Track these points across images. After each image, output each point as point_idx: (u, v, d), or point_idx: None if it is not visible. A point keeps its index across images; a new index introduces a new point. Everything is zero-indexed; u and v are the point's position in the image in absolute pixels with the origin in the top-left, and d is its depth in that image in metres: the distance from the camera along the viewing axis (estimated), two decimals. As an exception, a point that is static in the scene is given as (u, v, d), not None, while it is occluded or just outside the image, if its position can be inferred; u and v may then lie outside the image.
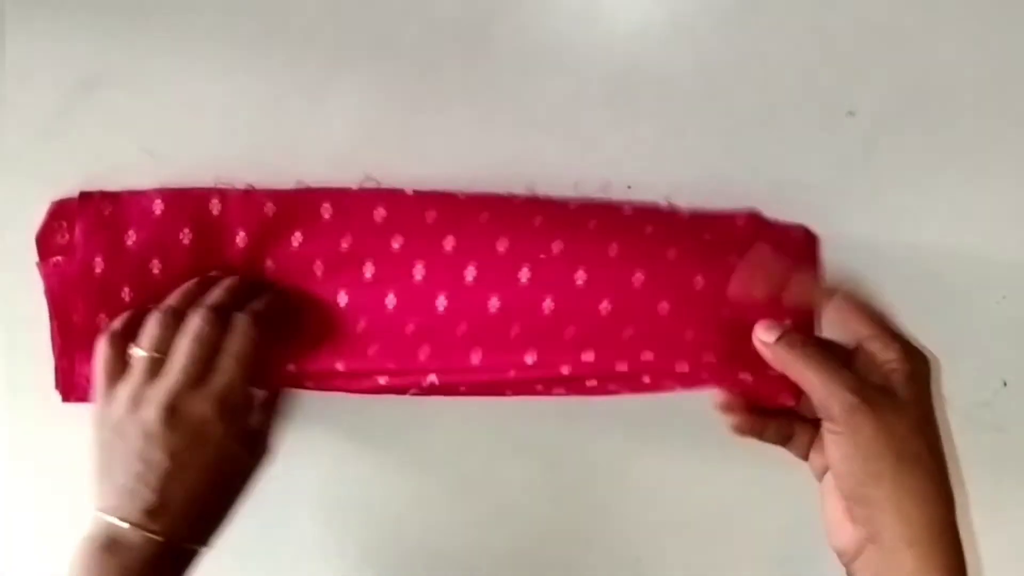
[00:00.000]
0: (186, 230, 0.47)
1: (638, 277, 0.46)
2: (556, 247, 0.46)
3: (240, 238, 0.47)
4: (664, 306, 0.46)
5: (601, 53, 0.48)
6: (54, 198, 0.48)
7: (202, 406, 0.41)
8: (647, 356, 0.45)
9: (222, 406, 0.42)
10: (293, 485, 0.50)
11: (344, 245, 0.47)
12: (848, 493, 0.42)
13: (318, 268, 0.47)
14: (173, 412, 0.41)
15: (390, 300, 0.47)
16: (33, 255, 0.48)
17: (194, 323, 0.42)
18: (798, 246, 0.48)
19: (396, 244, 0.47)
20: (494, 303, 0.46)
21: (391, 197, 0.47)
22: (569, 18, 0.48)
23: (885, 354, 0.43)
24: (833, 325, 0.46)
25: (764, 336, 0.44)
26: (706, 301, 0.46)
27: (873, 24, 0.48)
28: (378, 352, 0.47)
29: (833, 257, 0.49)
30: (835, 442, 0.41)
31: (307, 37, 0.48)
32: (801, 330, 0.45)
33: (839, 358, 0.43)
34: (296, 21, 0.48)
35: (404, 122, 0.48)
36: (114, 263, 0.47)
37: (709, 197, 0.48)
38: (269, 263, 0.47)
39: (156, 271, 0.47)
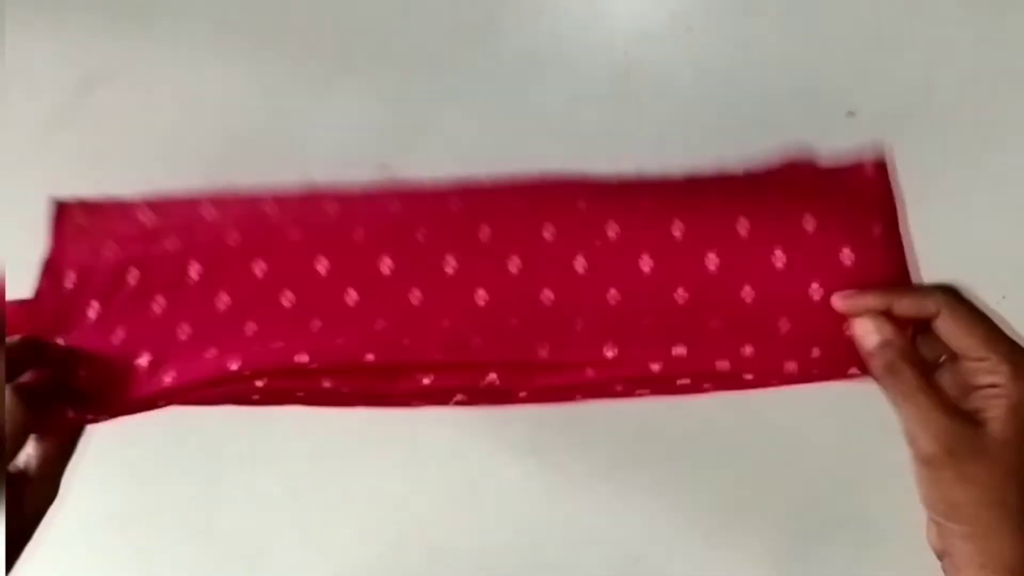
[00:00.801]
0: (173, 237, 0.46)
1: (712, 259, 0.41)
2: (611, 231, 0.43)
3: (233, 239, 0.46)
4: (748, 291, 0.41)
5: (601, 53, 0.48)
6: (54, 198, 0.48)
7: None
8: (747, 351, 0.41)
9: None
10: (294, 484, 0.50)
11: (357, 240, 0.45)
12: (928, 512, 0.40)
13: (322, 266, 0.46)
14: None
15: (415, 296, 0.43)
16: (33, 255, 0.48)
17: None
18: (872, 188, 0.43)
19: (420, 237, 0.44)
20: (547, 295, 0.42)
21: (405, 193, 0.44)
22: (569, 18, 0.48)
23: (989, 377, 0.39)
24: (936, 339, 0.40)
25: (864, 342, 0.40)
26: (788, 281, 0.41)
27: (873, 24, 0.48)
28: (414, 344, 0.42)
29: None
30: (916, 474, 0.40)
31: (309, 37, 0.48)
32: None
33: (932, 382, 0.39)
34: (297, 21, 0.48)
35: (405, 122, 0.48)
36: (87, 274, 0.46)
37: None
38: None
39: (133, 282, 0.46)
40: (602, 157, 0.48)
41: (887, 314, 0.40)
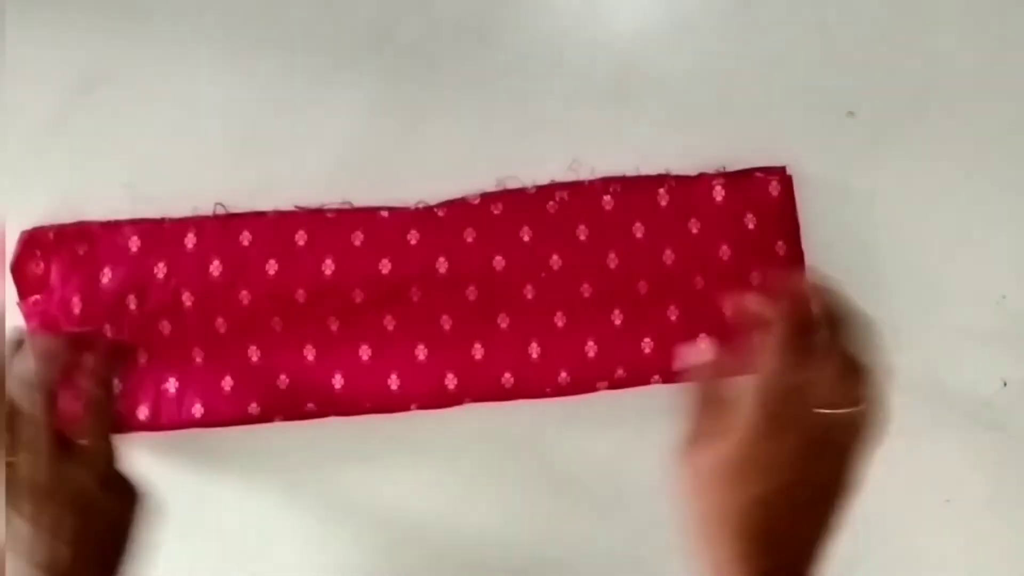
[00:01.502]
0: (161, 264, 0.47)
1: (643, 286, 0.47)
2: (555, 264, 0.47)
3: (215, 267, 0.47)
4: (673, 310, 0.47)
5: (601, 53, 0.48)
6: (55, 198, 0.48)
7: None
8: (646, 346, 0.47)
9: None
10: (294, 484, 0.50)
11: (326, 271, 0.47)
12: None
13: (300, 296, 0.47)
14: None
15: (388, 322, 0.47)
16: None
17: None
18: (777, 206, 0.47)
19: (384, 269, 0.47)
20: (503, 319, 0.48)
21: (369, 219, 0.47)
22: (569, 18, 0.48)
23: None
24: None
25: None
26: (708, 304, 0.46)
27: (873, 24, 0.48)
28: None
29: (833, 257, 0.49)
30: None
31: (307, 37, 0.48)
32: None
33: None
34: (296, 21, 0.48)
35: (404, 122, 0.48)
36: (92, 302, 0.46)
37: (709, 197, 0.48)
38: (357, 291, 0.47)
39: (133, 307, 0.47)
40: (602, 157, 0.48)
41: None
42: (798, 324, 0.39)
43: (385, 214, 0.47)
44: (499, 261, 0.47)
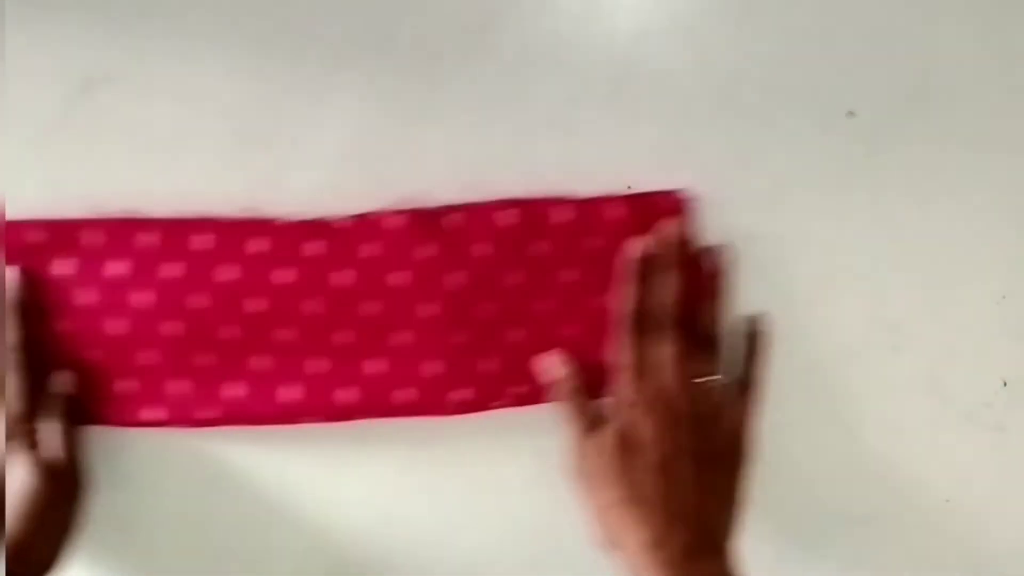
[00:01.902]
0: (172, 265, 0.47)
1: (546, 304, 0.47)
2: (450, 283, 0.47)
3: (227, 272, 0.47)
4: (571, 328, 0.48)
5: (601, 53, 0.48)
6: (55, 198, 0.48)
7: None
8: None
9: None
10: (293, 484, 0.50)
11: (223, 278, 0.47)
12: None
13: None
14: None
15: (283, 334, 0.47)
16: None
17: None
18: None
19: (281, 280, 0.47)
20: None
21: (266, 228, 0.47)
22: (569, 18, 0.48)
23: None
24: None
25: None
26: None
27: (873, 24, 0.48)
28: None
29: (833, 257, 0.49)
30: None
31: (307, 37, 0.48)
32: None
33: None
34: (296, 21, 0.48)
35: (404, 122, 0.48)
36: (100, 297, 0.47)
37: (709, 196, 0.48)
38: (256, 300, 0.47)
39: (143, 306, 0.47)
40: (602, 157, 0.48)
41: None
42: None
43: (288, 223, 0.47)
44: (398, 277, 0.47)
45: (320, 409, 0.47)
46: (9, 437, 0.45)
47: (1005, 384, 0.50)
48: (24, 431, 0.46)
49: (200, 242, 0.47)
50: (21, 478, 0.44)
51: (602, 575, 0.49)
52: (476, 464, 0.50)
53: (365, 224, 0.47)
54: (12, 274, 0.46)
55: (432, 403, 0.47)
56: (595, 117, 0.48)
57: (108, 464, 0.49)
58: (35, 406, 0.46)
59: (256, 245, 0.47)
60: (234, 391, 0.47)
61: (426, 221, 0.47)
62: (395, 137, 0.48)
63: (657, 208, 0.47)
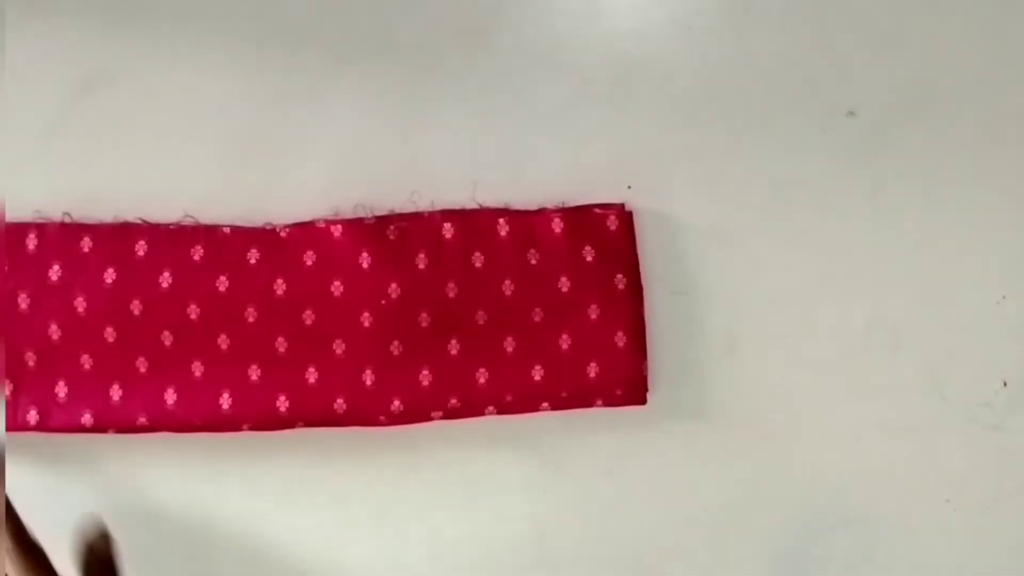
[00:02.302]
0: (110, 270, 0.47)
1: (481, 316, 0.47)
2: (393, 293, 0.47)
3: (164, 279, 0.47)
4: (510, 342, 0.47)
5: (601, 53, 0.48)
6: (54, 198, 0.48)
7: None
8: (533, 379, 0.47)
9: None
10: (293, 485, 0.50)
11: (163, 284, 0.47)
12: None
13: (250, 314, 0.47)
14: None
15: (223, 341, 0.47)
16: (33, 255, 0.48)
17: None
18: (616, 239, 0.48)
19: (222, 287, 0.47)
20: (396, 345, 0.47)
21: (209, 235, 0.47)
22: (569, 18, 0.48)
23: None
24: None
25: None
26: (549, 334, 0.47)
27: (873, 24, 0.48)
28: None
29: (833, 257, 0.49)
30: None
31: (307, 37, 0.48)
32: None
33: None
34: (296, 21, 0.48)
35: (404, 122, 0.48)
36: (39, 299, 0.47)
37: (709, 196, 0.48)
38: (193, 306, 0.47)
39: (81, 310, 0.47)
40: (602, 157, 0.48)
41: None
42: None
43: (227, 231, 0.47)
44: (337, 287, 0.47)
45: (257, 416, 0.47)
46: None
47: (1005, 384, 0.50)
48: None
49: (140, 248, 0.47)
50: None
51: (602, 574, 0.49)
52: (476, 463, 0.50)
53: (306, 232, 0.47)
54: None
55: (369, 412, 0.47)
56: (595, 117, 0.48)
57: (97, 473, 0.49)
58: None
59: (197, 252, 0.47)
60: (171, 397, 0.47)
61: (368, 231, 0.47)
62: (395, 137, 0.48)
63: (596, 222, 0.47)
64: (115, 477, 0.49)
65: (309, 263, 0.47)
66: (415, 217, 0.47)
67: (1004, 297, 0.49)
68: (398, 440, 0.49)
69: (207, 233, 0.47)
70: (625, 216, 0.48)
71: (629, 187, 0.48)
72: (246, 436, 0.48)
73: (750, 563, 0.51)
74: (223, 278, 0.47)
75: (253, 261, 0.47)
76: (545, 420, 0.48)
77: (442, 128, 0.48)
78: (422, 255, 0.47)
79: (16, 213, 0.47)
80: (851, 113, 0.48)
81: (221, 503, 0.50)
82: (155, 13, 0.47)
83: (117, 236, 0.47)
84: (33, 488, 0.48)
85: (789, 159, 0.48)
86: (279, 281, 0.47)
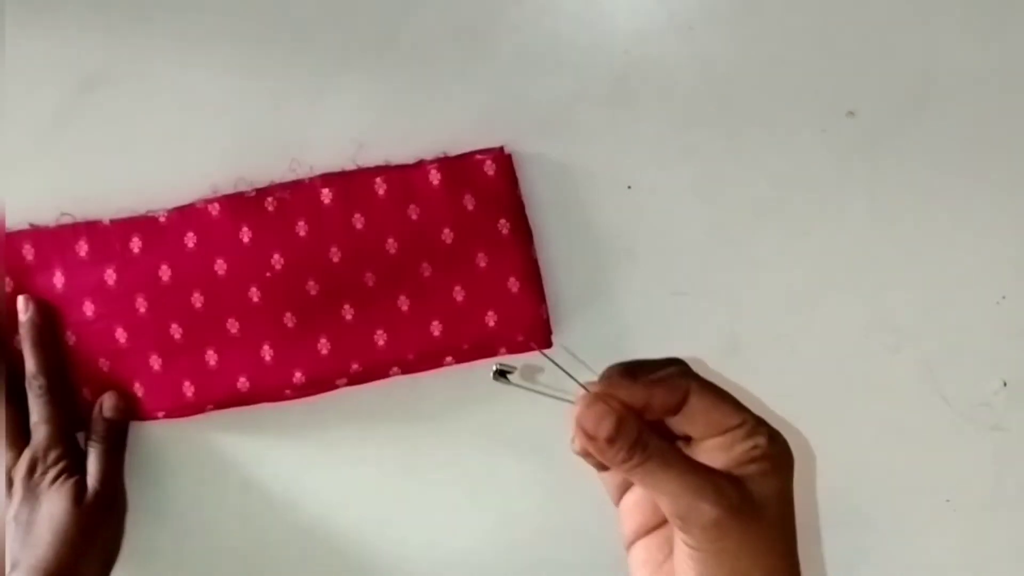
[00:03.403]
0: (110, 270, 0.47)
1: (370, 277, 0.47)
2: (335, 257, 0.47)
3: (57, 279, 0.47)
4: (403, 300, 0.47)
5: (601, 53, 0.48)
6: (55, 198, 0.48)
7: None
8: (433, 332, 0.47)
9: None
10: (293, 485, 0.50)
11: (164, 277, 0.47)
12: None
13: (140, 304, 0.47)
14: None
15: (120, 334, 0.47)
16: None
17: None
18: (495, 185, 0.47)
19: (110, 280, 0.47)
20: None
21: (90, 228, 0.47)
22: (569, 18, 0.48)
23: (749, 441, 0.36)
24: (693, 418, 0.36)
25: (600, 430, 0.35)
26: (440, 286, 0.47)
27: (873, 24, 0.48)
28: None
29: (833, 257, 0.49)
30: (692, 557, 0.35)
31: (307, 37, 0.48)
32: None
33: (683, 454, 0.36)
34: (296, 21, 0.48)
35: (404, 122, 0.48)
36: (49, 306, 0.47)
37: (708, 197, 0.48)
38: (87, 303, 0.47)
39: (90, 313, 0.47)
40: (601, 157, 0.48)
41: (644, 408, 0.36)
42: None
43: (107, 222, 0.47)
44: (220, 265, 0.46)
45: (167, 404, 0.47)
46: (40, 465, 0.45)
47: (1005, 384, 0.50)
48: (57, 457, 0.45)
49: (27, 251, 0.47)
50: (62, 506, 0.44)
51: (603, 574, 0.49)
52: (476, 464, 0.50)
53: (184, 215, 0.47)
54: (22, 300, 0.46)
55: (273, 388, 0.47)
56: (595, 117, 0.48)
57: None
58: (65, 431, 0.46)
59: (82, 248, 0.47)
60: (76, 394, 0.47)
61: (244, 205, 0.47)
62: (395, 137, 0.48)
63: (474, 169, 0.47)
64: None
65: (191, 245, 0.46)
66: (294, 185, 0.47)
67: (1004, 297, 0.49)
68: (397, 440, 0.49)
69: (88, 229, 0.47)
70: (503, 160, 0.47)
71: (629, 187, 0.48)
72: (240, 435, 0.48)
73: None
74: (110, 271, 0.46)
75: (136, 250, 0.47)
76: (545, 419, 0.48)
77: (442, 128, 0.48)
78: (302, 223, 0.46)
79: (13, 212, 0.47)
80: (851, 113, 0.48)
81: (219, 500, 0.50)
82: (155, 13, 0.47)
83: (12, 241, 0.47)
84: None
85: (789, 159, 0.48)
86: (164, 267, 0.46)
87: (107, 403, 0.47)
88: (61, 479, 0.45)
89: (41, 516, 0.44)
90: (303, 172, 0.47)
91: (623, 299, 0.49)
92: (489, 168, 0.47)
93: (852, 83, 0.48)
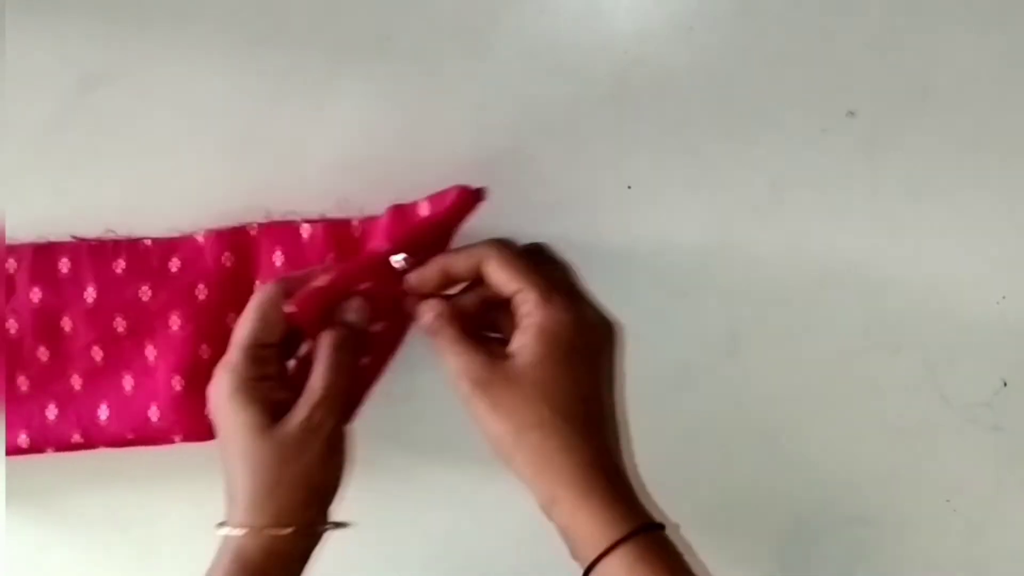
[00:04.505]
0: (90, 288, 0.47)
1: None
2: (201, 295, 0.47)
3: (143, 292, 0.47)
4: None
5: (601, 53, 0.48)
6: (55, 198, 0.48)
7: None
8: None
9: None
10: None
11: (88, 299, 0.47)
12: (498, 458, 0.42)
13: (231, 320, 0.47)
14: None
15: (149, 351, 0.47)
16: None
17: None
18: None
19: (36, 298, 0.47)
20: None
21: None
22: (569, 18, 0.48)
23: (523, 307, 0.42)
24: (489, 283, 0.43)
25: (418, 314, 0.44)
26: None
27: (873, 24, 0.48)
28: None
29: (833, 257, 0.49)
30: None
31: (307, 37, 0.48)
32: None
33: (472, 331, 0.43)
34: (296, 21, 0.48)
35: (404, 122, 0.48)
36: (25, 323, 0.46)
37: (708, 197, 0.48)
38: (175, 318, 0.47)
39: (68, 329, 0.47)
40: (602, 157, 0.48)
41: (448, 277, 0.44)
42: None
43: (28, 247, 0.47)
44: (145, 292, 0.47)
45: (80, 429, 0.47)
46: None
47: (1005, 384, 0.50)
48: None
49: (63, 264, 0.47)
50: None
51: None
52: (476, 463, 0.50)
53: (222, 237, 0.47)
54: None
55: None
56: (595, 117, 0.48)
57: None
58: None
59: (11, 266, 0.46)
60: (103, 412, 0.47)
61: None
62: (395, 137, 0.48)
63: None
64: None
65: (228, 265, 0.47)
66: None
67: (1004, 297, 0.49)
68: (397, 440, 0.49)
69: (129, 247, 0.47)
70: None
71: (629, 187, 0.48)
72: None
73: (750, 563, 0.51)
74: (38, 291, 0.46)
75: (175, 269, 0.47)
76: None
77: (442, 128, 0.48)
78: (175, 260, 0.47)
79: (14, 213, 0.47)
80: (851, 113, 0.48)
81: (219, 499, 0.50)
82: (155, 13, 0.47)
83: (36, 253, 0.47)
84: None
85: (789, 159, 0.48)
86: (89, 290, 0.46)
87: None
88: None
89: None
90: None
91: (623, 299, 0.49)
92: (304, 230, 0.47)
93: (852, 83, 0.48)
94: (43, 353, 0.47)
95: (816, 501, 0.50)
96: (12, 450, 0.47)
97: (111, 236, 0.47)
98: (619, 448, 0.43)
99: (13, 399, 0.47)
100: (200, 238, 0.47)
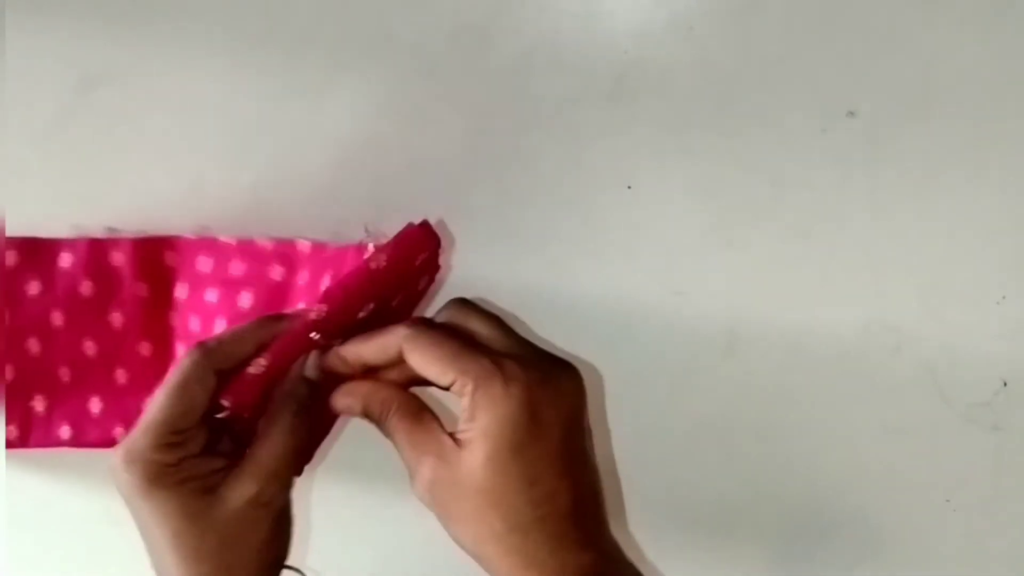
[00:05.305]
0: (87, 282, 0.47)
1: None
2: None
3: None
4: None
5: (601, 53, 0.48)
6: (55, 198, 0.48)
7: None
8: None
9: None
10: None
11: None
12: None
13: (220, 324, 0.47)
14: None
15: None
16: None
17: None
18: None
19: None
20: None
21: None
22: (569, 18, 0.48)
23: (463, 400, 0.36)
24: (417, 373, 0.38)
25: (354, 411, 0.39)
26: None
27: (873, 24, 0.48)
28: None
29: (833, 257, 0.49)
30: None
31: (307, 37, 0.48)
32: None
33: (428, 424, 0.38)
34: (296, 21, 0.48)
35: (404, 122, 0.48)
36: (18, 314, 0.46)
37: (708, 197, 0.48)
38: (172, 314, 0.47)
39: (58, 323, 0.47)
40: (602, 157, 0.48)
41: (365, 366, 0.39)
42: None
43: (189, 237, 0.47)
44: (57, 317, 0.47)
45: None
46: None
47: (1005, 384, 0.50)
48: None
49: (64, 259, 0.47)
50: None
51: None
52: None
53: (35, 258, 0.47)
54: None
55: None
56: (595, 117, 0.48)
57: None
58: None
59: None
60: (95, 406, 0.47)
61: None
62: (395, 137, 0.48)
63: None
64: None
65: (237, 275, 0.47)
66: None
67: (1004, 297, 0.49)
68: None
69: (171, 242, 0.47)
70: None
71: (629, 187, 0.48)
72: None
73: (750, 563, 0.51)
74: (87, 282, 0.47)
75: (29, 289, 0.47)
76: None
77: (442, 128, 0.48)
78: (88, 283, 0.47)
79: (13, 212, 0.47)
80: (851, 113, 0.48)
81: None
82: (155, 13, 0.47)
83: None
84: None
85: (789, 159, 0.48)
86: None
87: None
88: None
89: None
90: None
91: (623, 299, 0.49)
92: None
93: (852, 83, 0.48)
94: (33, 345, 0.47)
95: (816, 501, 0.50)
96: (9, 444, 0.47)
97: (111, 236, 0.47)
98: (599, 528, 0.38)
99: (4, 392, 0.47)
100: (192, 236, 0.47)
